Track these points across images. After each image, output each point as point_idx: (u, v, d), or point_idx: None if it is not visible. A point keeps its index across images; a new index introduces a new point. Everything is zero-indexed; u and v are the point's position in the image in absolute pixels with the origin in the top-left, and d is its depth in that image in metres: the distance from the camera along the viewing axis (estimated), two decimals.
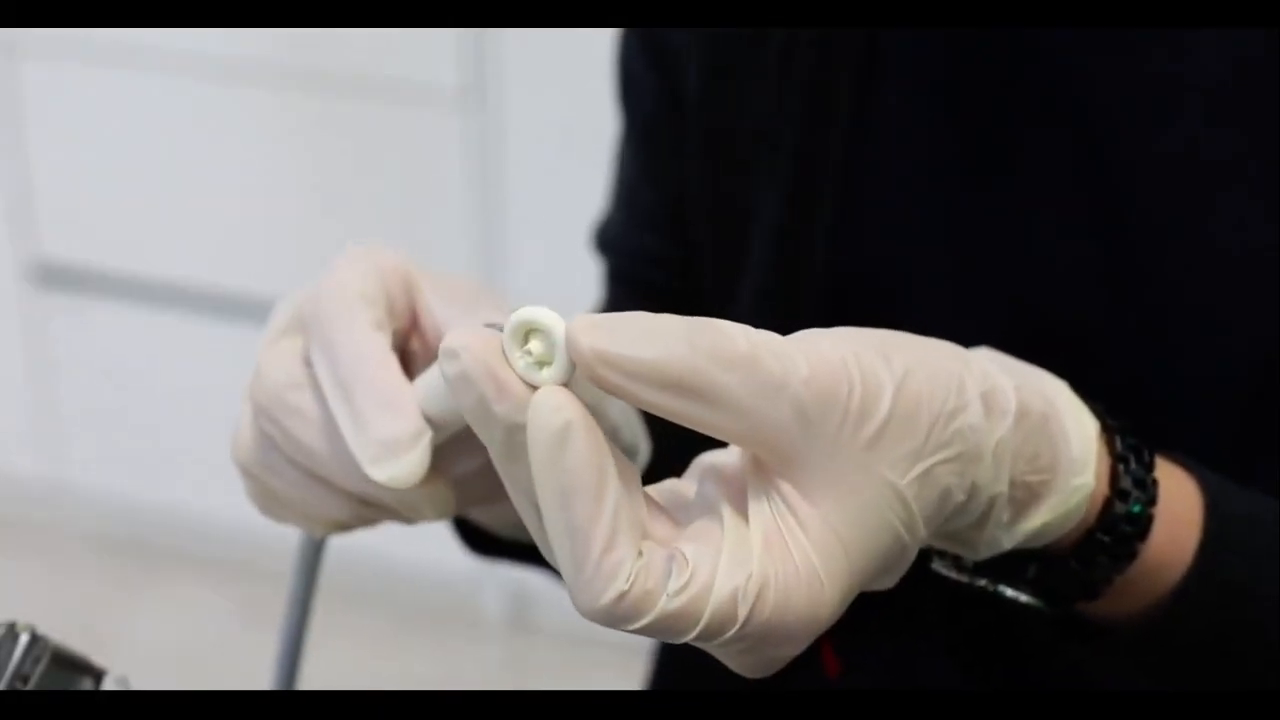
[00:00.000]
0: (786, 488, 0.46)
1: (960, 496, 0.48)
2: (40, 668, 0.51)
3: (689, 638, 0.45)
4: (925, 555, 0.54)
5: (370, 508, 0.53)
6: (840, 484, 0.46)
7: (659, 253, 0.77)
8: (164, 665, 2.04)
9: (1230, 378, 0.63)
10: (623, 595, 0.44)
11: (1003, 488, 0.49)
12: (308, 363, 0.52)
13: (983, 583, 0.55)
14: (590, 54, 1.25)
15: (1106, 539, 0.53)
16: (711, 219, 0.72)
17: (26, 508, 2.29)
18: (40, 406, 2.22)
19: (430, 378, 0.53)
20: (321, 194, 2.00)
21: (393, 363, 0.53)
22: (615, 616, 0.45)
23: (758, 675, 0.47)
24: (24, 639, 0.52)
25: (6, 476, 2.29)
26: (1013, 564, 0.54)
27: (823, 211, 0.68)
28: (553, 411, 0.44)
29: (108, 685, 0.53)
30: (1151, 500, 0.54)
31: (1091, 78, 0.63)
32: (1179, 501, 0.55)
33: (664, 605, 0.45)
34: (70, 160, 2.09)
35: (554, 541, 0.45)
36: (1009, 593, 0.55)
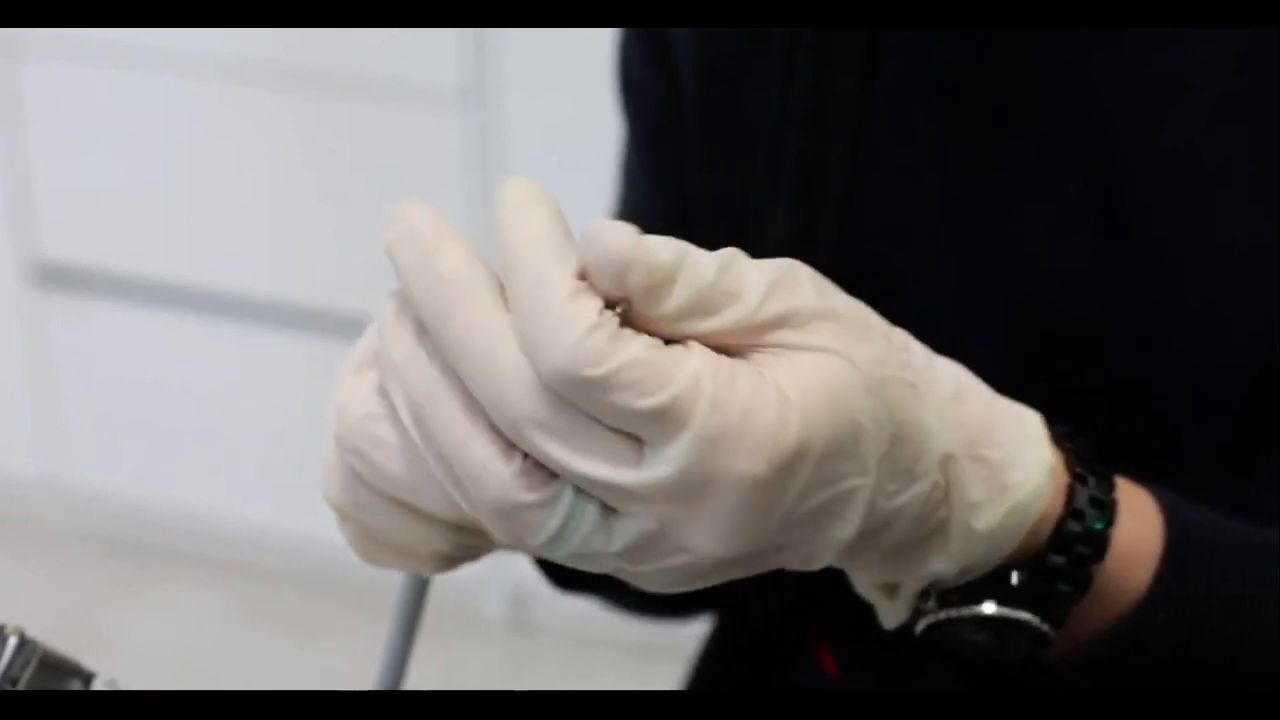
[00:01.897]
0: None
1: (915, 438, 0.48)
2: (29, 671, 0.51)
3: (647, 408, 0.43)
4: (913, 618, 0.54)
5: (469, 534, 0.51)
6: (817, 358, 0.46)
7: None
8: (164, 665, 2.04)
9: (1232, 375, 0.63)
10: (593, 328, 0.43)
11: (954, 448, 0.49)
12: (383, 394, 0.51)
13: (982, 610, 0.54)
14: (590, 54, 1.25)
15: (1061, 560, 0.53)
16: (714, 222, 0.72)
17: (26, 508, 2.29)
18: (40, 406, 2.22)
19: None
20: (321, 194, 2.00)
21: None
22: (579, 358, 0.43)
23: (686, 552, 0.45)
24: (13, 641, 0.51)
25: (6, 476, 2.29)
26: (990, 588, 0.54)
27: (827, 212, 0.68)
28: (522, 184, 0.46)
29: (97, 688, 0.53)
30: (1110, 520, 0.54)
31: (1093, 77, 0.63)
32: (1137, 518, 0.55)
33: (634, 353, 0.43)
34: (70, 160, 2.09)
35: (519, 303, 0.44)
36: (1003, 612, 0.54)
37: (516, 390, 0.44)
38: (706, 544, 0.45)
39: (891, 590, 0.53)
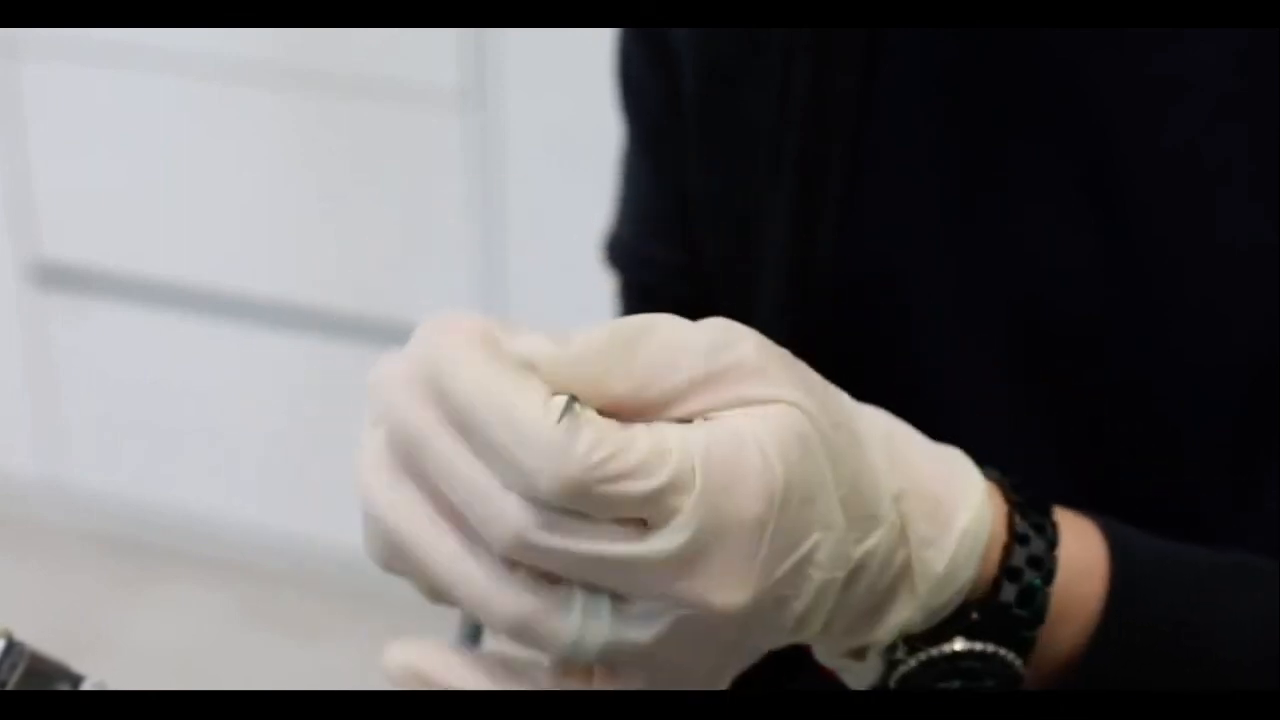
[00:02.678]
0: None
1: (869, 481, 0.49)
2: (17, 674, 0.51)
3: (655, 487, 0.44)
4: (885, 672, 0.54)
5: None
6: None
7: (675, 262, 0.76)
8: (164, 665, 2.04)
9: (1232, 375, 0.63)
10: (580, 439, 0.44)
11: (901, 485, 0.50)
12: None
13: (953, 646, 0.53)
14: (590, 54, 1.25)
15: (1014, 588, 0.53)
16: (714, 223, 0.72)
17: (26, 508, 2.29)
18: (40, 406, 2.22)
19: None
20: (321, 194, 2.00)
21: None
22: (581, 469, 0.44)
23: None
24: (0, 645, 0.51)
25: (6, 476, 2.29)
26: (953, 627, 0.53)
27: (827, 212, 0.68)
28: (435, 326, 0.48)
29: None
30: (1053, 542, 0.54)
31: (1093, 77, 0.63)
32: (1079, 537, 0.55)
33: (625, 444, 0.45)
34: (70, 160, 2.08)
35: (497, 443, 0.45)
36: (972, 646, 0.53)
37: (511, 506, 0.45)
38: (727, 595, 0.46)
39: (860, 652, 0.53)
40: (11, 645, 0.51)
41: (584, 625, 0.46)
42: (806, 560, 0.47)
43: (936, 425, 0.68)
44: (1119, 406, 0.65)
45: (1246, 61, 0.61)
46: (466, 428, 0.46)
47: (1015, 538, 0.53)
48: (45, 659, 0.52)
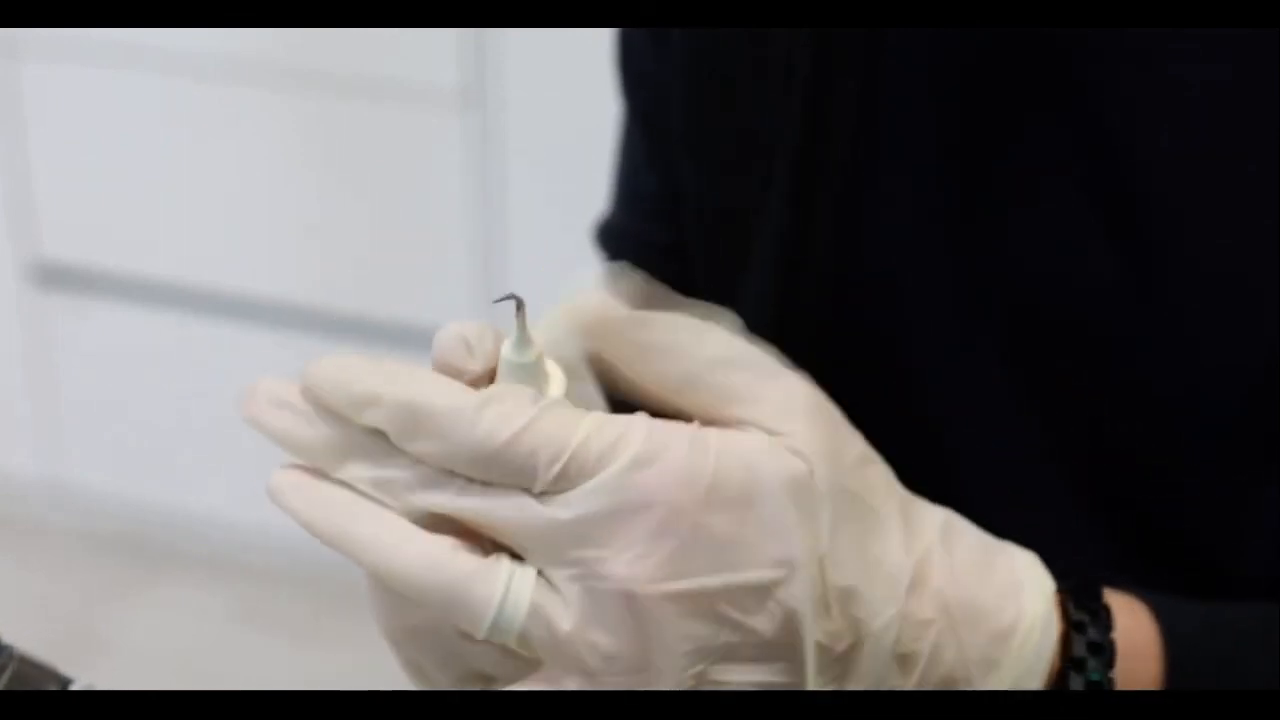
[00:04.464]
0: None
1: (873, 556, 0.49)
2: (5, 676, 0.51)
3: (546, 460, 0.46)
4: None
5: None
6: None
7: (663, 241, 0.76)
8: (163, 665, 2.04)
9: (1233, 377, 0.63)
10: (504, 415, 0.46)
11: (943, 587, 0.50)
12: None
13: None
14: (590, 54, 1.25)
15: (1080, 679, 0.53)
16: (706, 219, 0.72)
17: (26, 507, 2.29)
18: (40, 406, 2.22)
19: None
20: (321, 194, 2.00)
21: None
22: (496, 436, 0.45)
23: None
24: None
25: (6, 476, 2.29)
26: None
27: (826, 214, 0.68)
28: (326, 367, 0.48)
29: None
30: (1109, 663, 0.53)
31: (1095, 78, 0.63)
32: (1134, 635, 0.55)
33: (546, 417, 0.46)
34: (70, 160, 2.09)
35: (436, 425, 0.46)
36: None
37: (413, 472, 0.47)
38: (625, 569, 0.46)
39: None
40: (0, 648, 0.51)
41: (506, 597, 0.46)
42: (765, 589, 0.47)
43: (934, 427, 0.68)
44: (1119, 409, 0.65)
45: (1248, 62, 0.61)
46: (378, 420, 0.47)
47: (1072, 625, 0.53)
48: (33, 661, 0.52)
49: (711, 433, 0.48)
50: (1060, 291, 0.65)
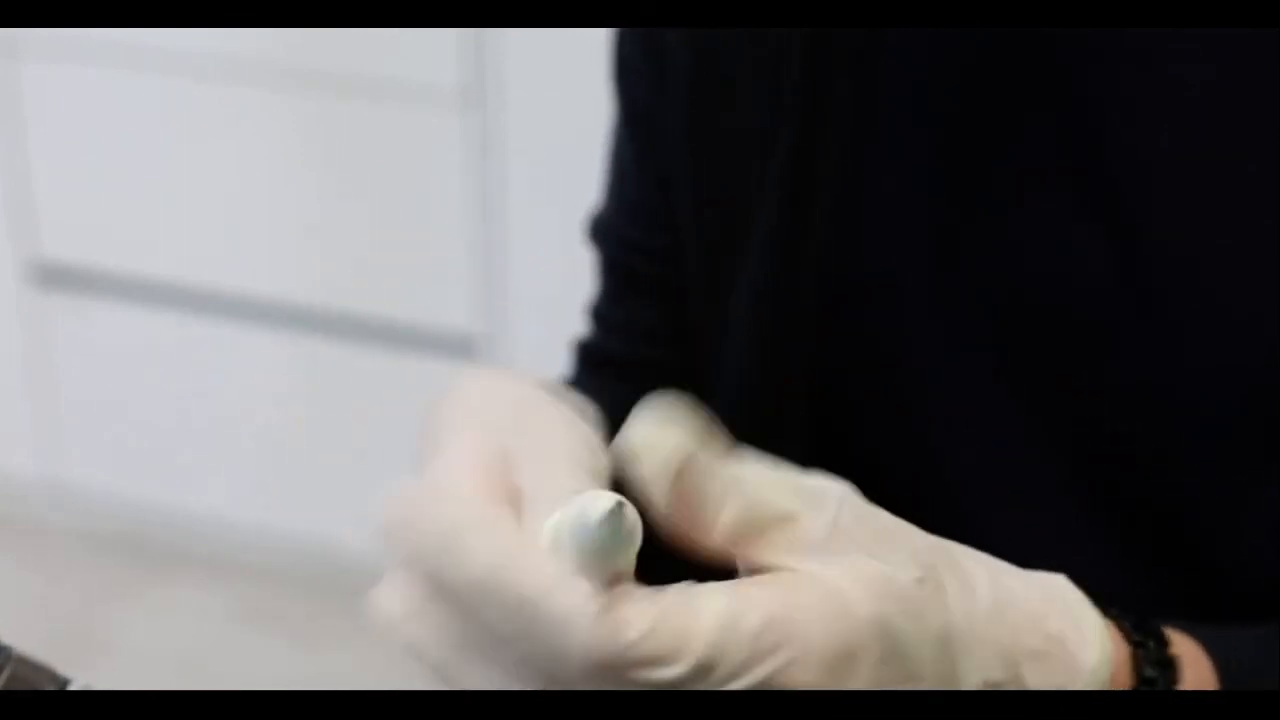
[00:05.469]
0: None
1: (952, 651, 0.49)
2: (3, 676, 0.51)
3: (674, 677, 0.45)
4: None
5: None
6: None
7: (650, 243, 0.76)
8: (164, 666, 2.04)
9: (1232, 376, 0.63)
10: (623, 625, 0.45)
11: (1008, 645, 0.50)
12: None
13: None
14: (590, 54, 1.25)
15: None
16: (702, 217, 0.72)
17: (26, 507, 2.29)
18: (40, 406, 2.22)
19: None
20: (321, 194, 2.00)
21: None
22: (621, 650, 0.45)
23: None
24: None
25: (6, 476, 2.29)
26: None
27: (822, 212, 0.68)
28: (400, 509, 0.47)
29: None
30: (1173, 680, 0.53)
31: (1093, 78, 0.63)
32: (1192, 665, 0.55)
33: (667, 611, 0.45)
34: (70, 160, 2.09)
35: (520, 626, 0.45)
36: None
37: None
38: None
39: None
40: None
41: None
42: None
43: (932, 427, 0.68)
44: (1118, 409, 0.65)
45: (1248, 62, 0.61)
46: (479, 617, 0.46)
47: (1142, 680, 0.53)
48: (31, 662, 0.52)
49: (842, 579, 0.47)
50: (1059, 291, 0.65)
